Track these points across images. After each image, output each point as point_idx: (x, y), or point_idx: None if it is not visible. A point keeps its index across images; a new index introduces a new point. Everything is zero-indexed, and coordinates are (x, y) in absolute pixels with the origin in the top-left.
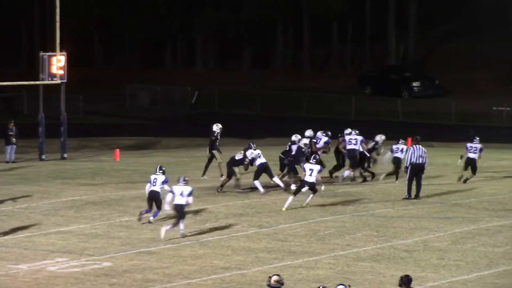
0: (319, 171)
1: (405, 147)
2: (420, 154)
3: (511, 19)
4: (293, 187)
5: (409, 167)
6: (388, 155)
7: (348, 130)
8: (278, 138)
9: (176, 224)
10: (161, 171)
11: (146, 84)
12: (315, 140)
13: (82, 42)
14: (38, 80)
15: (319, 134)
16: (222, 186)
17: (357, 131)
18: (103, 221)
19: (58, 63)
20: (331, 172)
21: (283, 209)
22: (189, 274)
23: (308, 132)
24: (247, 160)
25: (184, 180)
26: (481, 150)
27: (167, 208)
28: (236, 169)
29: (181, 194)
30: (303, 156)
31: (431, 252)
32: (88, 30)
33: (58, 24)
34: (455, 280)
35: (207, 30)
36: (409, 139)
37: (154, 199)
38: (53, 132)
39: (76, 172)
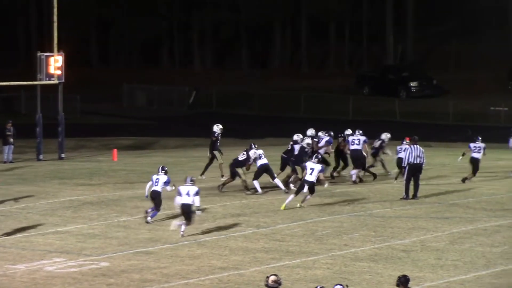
0: (320, 171)
1: (404, 146)
2: (418, 154)
3: (510, 19)
4: (291, 187)
5: (407, 167)
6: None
7: (349, 131)
8: (277, 138)
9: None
10: (163, 171)
11: (143, 84)
12: (316, 140)
13: (80, 42)
14: (35, 80)
15: (320, 134)
16: (224, 184)
17: (360, 131)
18: (100, 221)
19: (55, 63)
20: (331, 174)
21: (282, 207)
22: (187, 274)
23: (310, 131)
24: (251, 160)
25: (191, 180)
26: (484, 149)
27: (177, 209)
28: (240, 171)
29: (187, 194)
30: (305, 156)
31: (428, 252)
32: (86, 30)
33: (55, 24)
34: (453, 280)
35: (205, 30)
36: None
37: (154, 198)
38: (50, 132)
39: (73, 172)
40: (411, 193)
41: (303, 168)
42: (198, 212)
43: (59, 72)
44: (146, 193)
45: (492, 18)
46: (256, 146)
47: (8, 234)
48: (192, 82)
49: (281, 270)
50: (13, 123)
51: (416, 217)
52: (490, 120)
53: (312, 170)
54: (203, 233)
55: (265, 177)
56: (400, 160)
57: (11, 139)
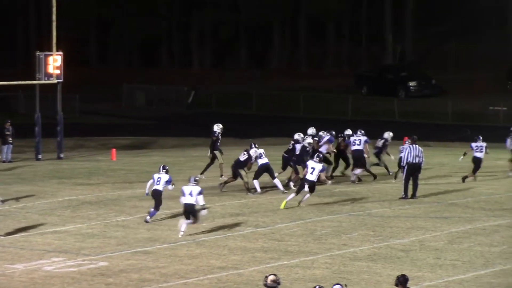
0: (321, 170)
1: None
2: (417, 154)
3: (509, 19)
4: (291, 186)
5: (406, 167)
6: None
7: (349, 131)
8: (277, 138)
9: (198, 219)
10: (164, 170)
11: (143, 84)
12: (317, 139)
13: (79, 42)
14: (34, 79)
15: (321, 133)
16: (225, 183)
17: (362, 131)
18: (99, 220)
19: (54, 62)
20: (331, 175)
21: (282, 206)
22: (186, 273)
23: (311, 130)
24: (252, 159)
25: (195, 180)
26: (486, 148)
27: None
28: (243, 172)
29: (190, 194)
30: (307, 155)
31: (427, 252)
32: (85, 29)
33: (54, 24)
34: (452, 280)
35: (204, 30)
36: (405, 139)
37: (155, 197)
38: (49, 132)
39: (72, 172)
40: (410, 192)
41: (305, 167)
42: (203, 212)
43: (58, 71)
44: (147, 191)
45: (491, 18)
46: (256, 145)
47: (8, 234)
48: (191, 82)
49: (280, 269)
50: (12, 123)
51: (415, 217)
52: (489, 120)
53: (313, 169)
54: (202, 232)
55: (265, 177)
56: (401, 160)
57: (10, 139)
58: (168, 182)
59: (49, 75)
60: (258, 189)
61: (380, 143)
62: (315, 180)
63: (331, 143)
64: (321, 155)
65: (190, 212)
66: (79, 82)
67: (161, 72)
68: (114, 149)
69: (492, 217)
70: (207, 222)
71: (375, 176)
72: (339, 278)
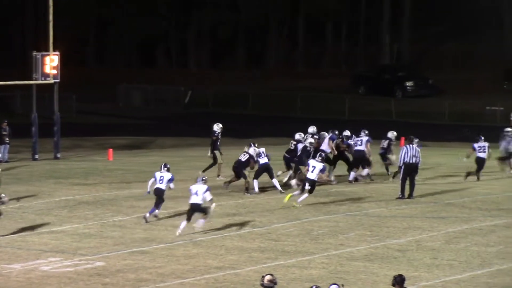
0: (321, 170)
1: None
2: (414, 154)
3: (505, 20)
4: (293, 183)
5: (403, 167)
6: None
7: (347, 132)
8: (274, 138)
9: (188, 222)
10: (165, 168)
11: (140, 84)
12: (316, 137)
13: (77, 42)
14: (31, 79)
15: (322, 133)
16: (230, 182)
17: (366, 131)
18: (96, 220)
19: (51, 62)
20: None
21: (286, 198)
22: (182, 273)
23: (311, 129)
24: (254, 158)
25: (202, 180)
26: (488, 147)
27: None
28: (246, 173)
29: (196, 193)
30: (308, 156)
31: (424, 252)
32: (83, 29)
33: (51, 24)
34: (448, 280)
35: (202, 30)
36: (402, 139)
37: (158, 196)
38: (46, 132)
39: (69, 172)
40: (406, 192)
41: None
42: (212, 206)
43: (54, 71)
44: (148, 189)
45: (488, 19)
46: (256, 144)
47: (5, 234)
48: (189, 82)
49: (277, 269)
50: (8, 123)
51: (411, 217)
52: (486, 120)
53: (314, 168)
54: (199, 232)
55: (264, 177)
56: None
57: (7, 139)
58: (170, 180)
59: (46, 75)
60: (256, 189)
61: (385, 143)
62: (316, 179)
63: (333, 141)
64: (324, 155)
65: (197, 210)
66: (77, 82)
67: (159, 72)
68: (111, 149)
69: (489, 217)
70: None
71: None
72: (336, 278)
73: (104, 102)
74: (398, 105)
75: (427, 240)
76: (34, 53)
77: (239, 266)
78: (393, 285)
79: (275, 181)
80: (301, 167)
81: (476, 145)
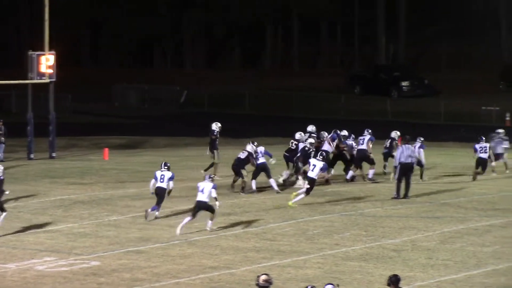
0: (322, 169)
1: (418, 144)
2: (409, 154)
3: (501, 21)
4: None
5: (398, 167)
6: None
7: (344, 132)
8: (270, 138)
9: (192, 218)
10: (166, 167)
11: (135, 84)
12: (315, 135)
13: (72, 42)
14: (27, 79)
15: (322, 133)
16: (234, 182)
17: (369, 130)
18: (91, 220)
19: (47, 62)
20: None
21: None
22: (178, 273)
23: (310, 127)
24: (254, 155)
25: (210, 177)
26: (489, 148)
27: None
28: (244, 172)
29: (202, 191)
30: (307, 156)
31: (419, 252)
32: (78, 29)
33: (47, 23)
34: (444, 280)
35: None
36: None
37: (160, 195)
38: (41, 131)
39: (64, 171)
40: (402, 192)
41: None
42: (217, 204)
43: (50, 71)
44: (151, 190)
45: (484, 20)
46: (255, 143)
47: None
48: (185, 82)
49: (272, 269)
50: (4, 122)
51: (407, 217)
52: (481, 120)
53: (314, 166)
54: (194, 232)
55: (263, 177)
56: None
57: (2, 138)
58: (171, 179)
59: (41, 75)
60: (254, 187)
61: (387, 143)
62: (315, 178)
63: (334, 140)
64: (325, 154)
65: (203, 208)
66: (73, 82)
67: (155, 72)
68: (106, 149)
69: (484, 217)
70: (199, 222)
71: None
72: (331, 278)
73: (100, 102)
74: (394, 105)
75: (422, 240)
76: (30, 53)
77: (235, 266)
78: (388, 285)
79: (272, 181)
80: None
81: (477, 146)
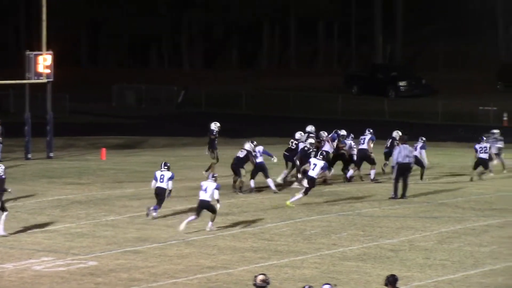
0: (323, 168)
1: (420, 144)
2: (407, 154)
3: (498, 21)
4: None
5: (396, 167)
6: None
7: (343, 132)
8: (268, 138)
9: (196, 217)
10: (166, 167)
11: (133, 84)
12: (313, 135)
13: (70, 42)
14: (24, 79)
15: (321, 133)
16: (235, 182)
17: (371, 130)
18: (89, 220)
19: (44, 62)
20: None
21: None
22: (175, 273)
23: (309, 128)
24: (252, 153)
25: (213, 177)
26: (490, 148)
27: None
28: (243, 171)
29: (205, 190)
30: (307, 156)
31: (417, 252)
32: (76, 30)
33: (44, 23)
34: (441, 280)
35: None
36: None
37: (160, 195)
38: (39, 131)
39: (62, 171)
40: (399, 192)
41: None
42: (217, 205)
43: (48, 71)
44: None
45: (482, 20)
46: (255, 142)
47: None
48: (183, 82)
49: (270, 269)
50: (1, 122)
51: (404, 217)
52: (479, 120)
53: (315, 165)
54: (192, 232)
55: (260, 177)
56: (415, 158)
57: (0, 138)
58: (171, 179)
59: (39, 75)
60: (252, 185)
61: (389, 142)
62: (316, 177)
63: (334, 140)
64: (325, 153)
65: (205, 208)
66: (72, 82)
67: (153, 72)
68: (104, 149)
69: (482, 217)
70: (196, 221)
71: (361, 178)
72: (329, 278)
73: (99, 102)
74: (391, 105)
75: (420, 240)
76: (28, 53)
77: (232, 265)
78: (386, 285)
79: (269, 181)
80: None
81: (477, 146)
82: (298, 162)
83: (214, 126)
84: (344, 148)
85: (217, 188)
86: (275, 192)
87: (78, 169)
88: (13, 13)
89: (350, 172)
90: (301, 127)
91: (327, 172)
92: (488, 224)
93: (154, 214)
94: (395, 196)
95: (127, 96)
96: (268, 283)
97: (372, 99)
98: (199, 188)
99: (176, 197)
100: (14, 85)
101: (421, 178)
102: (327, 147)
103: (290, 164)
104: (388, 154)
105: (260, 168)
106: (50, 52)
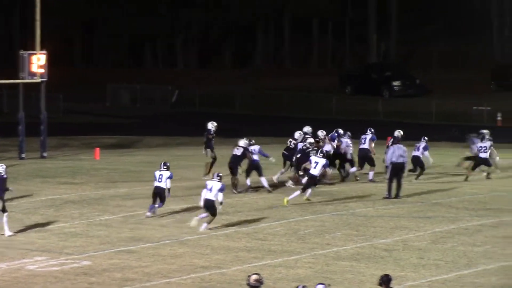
0: (324, 165)
1: (423, 144)
2: (401, 154)
3: (493, 21)
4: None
5: (390, 167)
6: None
7: (340, 131)
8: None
9: (214, 217)
10: (165, 167)
11: (132, 84)
12: (309, 136)
13: (64, 41)
14: (18, 78)
15: (319, 133)
16: (235, 185)
17: (372, 130)
18: (82, 220)
19: (38, 61)
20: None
21: (284, 202)
22: (169, 273)
23: (306, 128)
24: (249, 149)
25: (218, 176)
26: (490, 147)
27: (201, 204)
28: (239, 170)
29: (210, 190)
30: (306, 155)
31: (411, 252)
32: (71, 29)
33: (38, 23)
34: (435, 280)
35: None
36: (388, 138)
37: (159, 194)
38: (33, 131)
39: (56, 171)
40: (393, 192)
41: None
42: (219, 207)
43: (42, 70)
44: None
45: (477, 20)
46: (253, 141)
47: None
48: (177, 81)
49: (263, 269)
50: None
51: (398, 217)
52: (473, 120)
53: (316, 163)
54: (185, 232)
55: (256, 176)
56: (415, 159)
57: None
58: (169, 178)
59: (32, 74)
60: (248, 183)
61: (390, 142)
62: (318, 175)
63: (333, 140)
64: (325, 152)
65: (209, 206)
66: (66, 81)
67: (147, 72)
68: (97, 148)
69: (475, 217)
70: (189, 221)
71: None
72: (322, 277)
73: (93, 102)
74: (385, 105)
75: (413, 240)
76: (21, 52)
77: (226, 265)
78: (380, 284)
79: (263, 180)
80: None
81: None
82: (296, 162)
83: (211, 125)
84: (340, 146)
85: (221, 189)
86: (269, 192)
87: (72, 168)
88: (7, 13)
89: (353, 169)
90: (295, 127)
91: (328, 169)
92: (482, 224)
93: (148, 213)
94: (389, 196)
95: (122, 96)
96: (261, 283)
97: (367, 98)
98: (195, 187)
99: (172, 197)
100: (8, 85)
101: (417, 178)
102: (328, 147)
103: (288, 163)
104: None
105: (254, 167)
106: (44, 51)
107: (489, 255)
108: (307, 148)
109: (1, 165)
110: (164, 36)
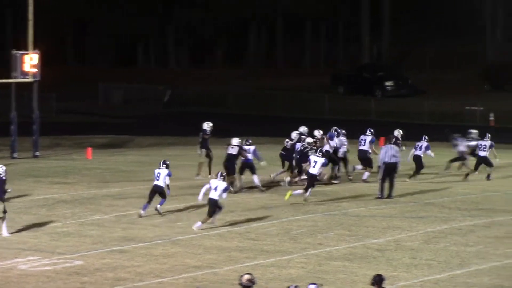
0: (323, 164)
1: (425, 144)
2: (393, 154)
3: (485, 21)
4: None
5: (382, 167)
6: (411, 153)
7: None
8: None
9: (210, 218)
10: (164, 165)
11: (119, 83)
12: (305, 136)
13: (57, 41)
14: (10, 78)
15: (316, 132)
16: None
17: (372, 130)
18: (75, 219)
19: (30, 61)
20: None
21: (286, 197)
22: (161, 273)
23: (302, 128)
24: (243, 147)
25: (221, 176)
26: (491, 146)
27: (200, 198)
28: (236, 169)
29: (215, 189)
30: (305, 155)
31: (403, 251)
32: (63, 29)
33: (31, 22)
34: (427, 280)
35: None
36: (382, 138)
37: (158, 192)
38: (25, 130)
39: (48, 171)
40: (386, 192)
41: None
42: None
43: (34, 70)
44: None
45: (470, 21)
46: (250, 141)
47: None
48: (170, 81)
49: (255, 269)
50: None
51: (391, 217)
52: (465, 120)
53: (315, 162)
54: (177, 231)
55: (262, 175)
56: (416, 158)
57: None
58: (167, 176)
59: (25, 74)
60: (241, 182)
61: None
62: (317, 174)
63: (331, 138)
64: (324, 151)
65: (213, 206)
66: (59, 81)
67: (139, 71)
68: (90, 148)
69: (468, 217)
70: (183, 221)
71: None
72: (315, 277)
73: (86, 101)
74: (377, 105)
75: (406, 240)
76: (14, 52)
77: (218, 265)
78: (372, 284)
79: (256, 178)
80: (303, 165)
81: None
82: (294, 163)
83: (207, 126)
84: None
85: (226, 189)
86: (262, 191)
87: (64, 168)
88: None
89: (358, 167)
90: (288, 127)
91: (329, 168)
92: (474, 224)
93: (141, 212)
94: (381, 196)
95: (114, 95)
96: (254, 283)
97: (359, 98)
98: (187, 187)
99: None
100: (0, 84)
101: (410, 177)
102: (327, 147)
103: (286, 163)
104: None
105: (248, 165)
106: (37, 51)
107: (482, 255)
108: (306, 148)
109: (1, 167)
110: (156, 36)
